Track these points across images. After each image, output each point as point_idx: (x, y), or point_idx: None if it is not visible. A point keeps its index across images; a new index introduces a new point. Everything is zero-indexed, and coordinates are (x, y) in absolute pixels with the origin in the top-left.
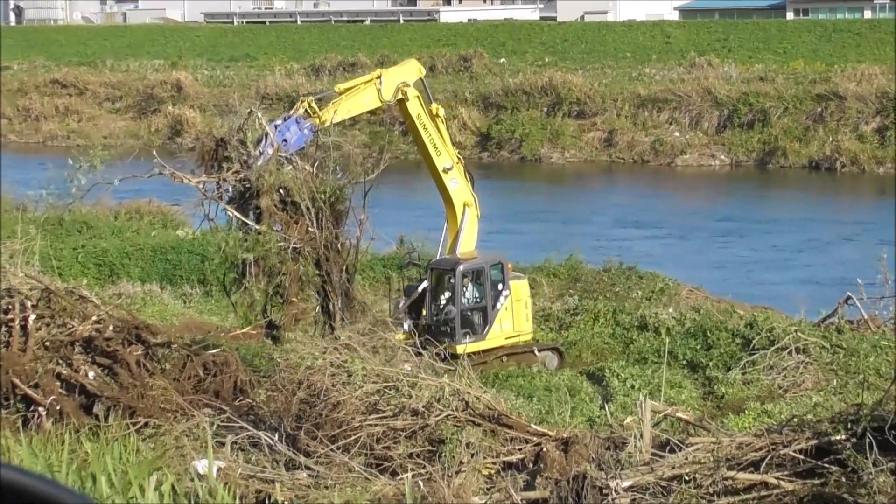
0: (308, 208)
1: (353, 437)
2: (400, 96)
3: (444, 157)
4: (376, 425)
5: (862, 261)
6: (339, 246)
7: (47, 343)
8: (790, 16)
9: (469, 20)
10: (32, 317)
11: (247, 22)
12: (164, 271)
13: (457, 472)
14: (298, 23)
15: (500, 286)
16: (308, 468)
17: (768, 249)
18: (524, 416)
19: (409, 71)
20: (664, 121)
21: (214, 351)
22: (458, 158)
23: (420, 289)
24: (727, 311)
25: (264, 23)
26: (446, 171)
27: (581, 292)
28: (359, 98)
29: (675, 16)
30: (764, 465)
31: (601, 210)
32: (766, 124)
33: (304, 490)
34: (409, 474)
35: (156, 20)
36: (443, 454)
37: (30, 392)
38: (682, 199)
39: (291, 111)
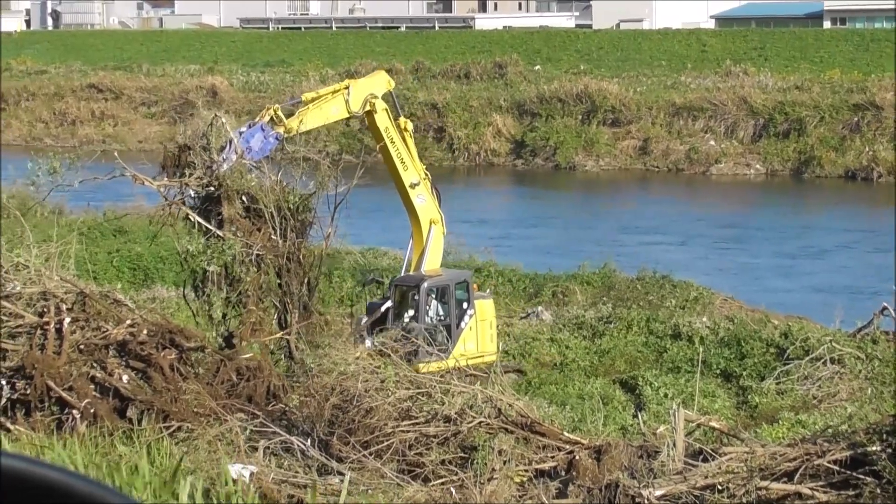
0: (272, 216)
1: (385, 443)
2: (368, 108)
3: (412, 172)
4: (409, 431)
5: None
6: (300, 257)
7: (82, 346)
8: (827, 25)
9: (504, 27)
10: (67, 320)
11: (282, 27)
12: None
13: (489, 479)
14: (334, 29)
15: (465, 305)
16: (340, 473)
17: (771, 256)
18: (557, 424)
19: (378, 83)
20: (699, 129)
21: (247, 356)
22: (426, 174)
23: (384, 308)
24: (761, 321)
25: (300, 28)
26: (413, 186)
27: (614, 300)
28: (326, 108)
29: (711, 24)
30: (798, 475)
31: (640, 217)
32: (801, 133)
33: (336, 496)
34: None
35: (192, 25)
36: (475, 461)
37: (64, 395)
38: (717, 208)
39: (257, 118)
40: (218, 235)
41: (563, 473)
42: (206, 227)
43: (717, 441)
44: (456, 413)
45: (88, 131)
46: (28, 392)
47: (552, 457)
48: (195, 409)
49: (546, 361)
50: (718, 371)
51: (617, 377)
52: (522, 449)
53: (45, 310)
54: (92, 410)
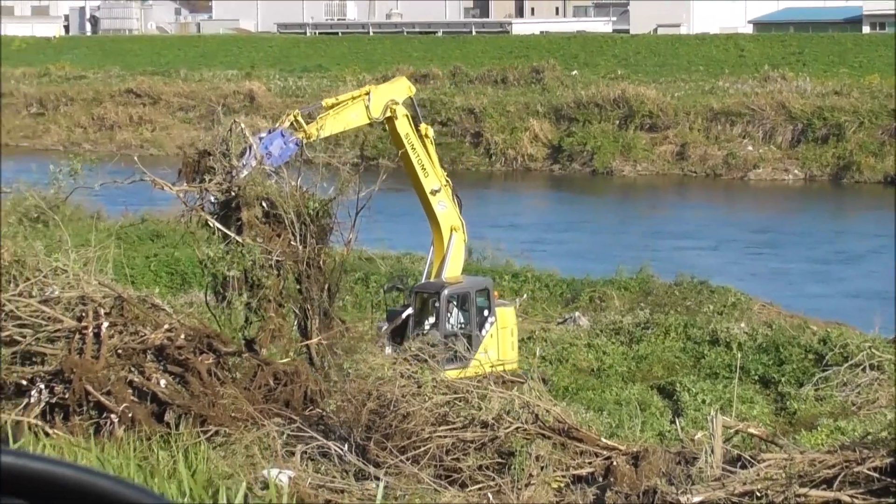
0: (292, 222)
1: (422, 449)
2: (388, 114)
3: (432, 178)
4: (446, 437)
5: None
6: (320, 263)
7: (120, 351)
8: (866, 30)
9: (541, 32)
10: (105, 324)
11: (319, 32)
12: None
13: (526, 485)
14: (371, 34)
15: (485, 312)
16: (377, 478)
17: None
18: (594, 430)
19: (399, 89)
20: (737, 134)
21: (285, 361)
22: (447, 181)
23: (405, 315)
24: (800, 327)
25: (337, 33)
26: (434, 193)
27: (652, 306)
28: (346, 114)
29: (748, 29)
30: (837, 482)
31: (673, 222)
32: (840, 139)
33: (373, 501)
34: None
35: (229, 30)
36: (512, 466)
37: (102, 399)
38: (752, 213)
39: (277, 124)
40: (237, 241)
41: (600, 479)
42: (226, 233)
43: (755, 447)
44: (493, 418)
45: (126, 136)
46: (66, 396)
47: (589, 463)
48: (232, 414)
49: (583, 367)
50: (757, 377)
51: (654, 383)
52: (560, 454)
53: (84, 314)
54: (130, 415)
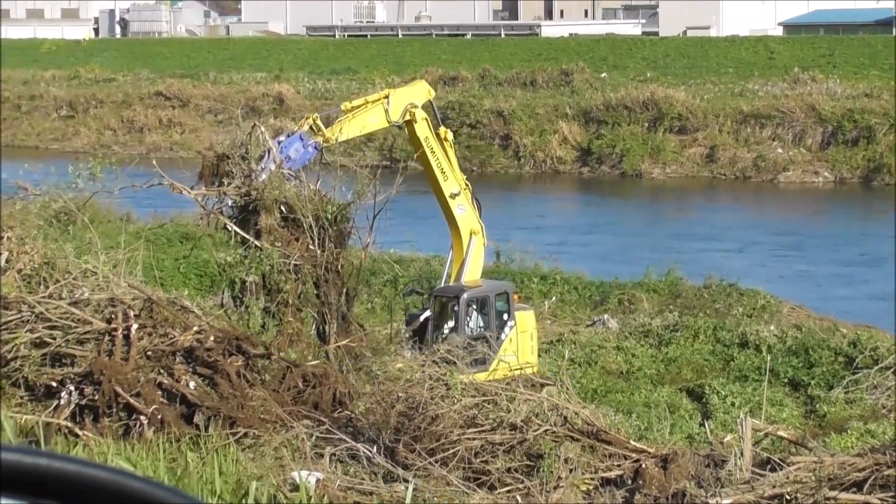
0: (310, 227)
1: (451, 451)
2: (408, 118)
3: (452, 182)
4: (474, 439)
5: None
6: (339, 267)
7: (149, 353)
8: None
9: (570, 34)
10: (135, 326)
11: (348, 35)
12: None
13: (555, 488)
14: (400, 36)
15: (505, 316)
16: (406, 481)
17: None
18: (623, 433)
19: (418, 92)
20: (767, 137)
21: (314, 363)
22: (466, 184)
23: (423, 318)
24: (830, 330)
25: (366, 36)
26: (453, 196)
27: (681, 308)
28: (365, 117)
29: (778, 31)
30: (867, 485)
31: (699, 224)
32: (871, 141)
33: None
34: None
35: (258, 33)
36: (541, 469)
37: (132, 401)
38: (778, 215)
39: (296, 127)
40: (256, 245)
41: (629, 482)
42: (244, 237)
43: (784, 450)
44: (522, 421)
45: (156, 139)
46: (96, 398)
47: (618, 465)
48: (261, 416)
49: (612, 369)
50: (786, 380)
51: (683, 386)
52: (588, 457)
53: (113, 316)
54: (159, 416)
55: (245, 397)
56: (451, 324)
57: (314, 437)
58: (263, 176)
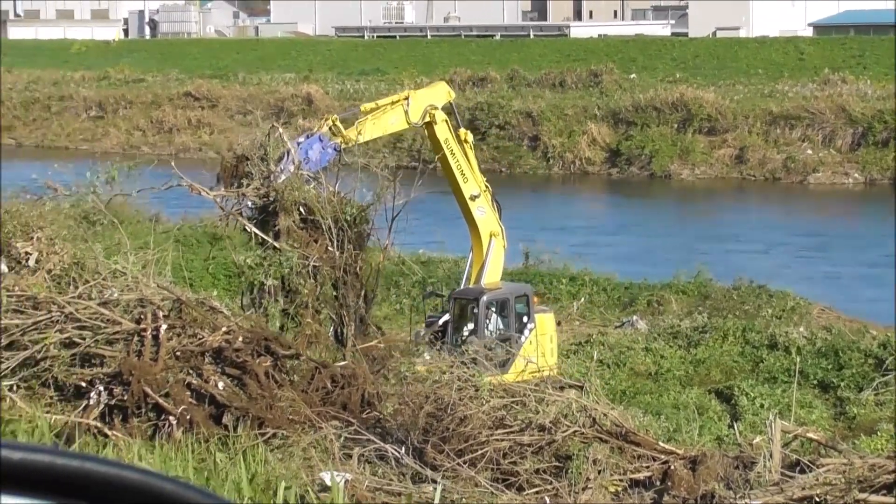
0: (329, 228)
1: (479, 452)
2: (427, 119)
3: (472, 184)
4: (503, 440)
5: None
6: (357, 269)
7: (178, 353)
8: None
9: (600, 35)
10: (164, 327)
11: (377, 36)
12: None
13: (583, 489)
14: (428, 37)
15: (524, 319)
16: (434, 482)
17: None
18: (652, 434)
19: (438, 93)
20: (796, 138)
21: (342, 363)
22: (486, 186)
23: (441, 321)
24: (860, 331)
25: (394, 37)
26: (473, 198)
27: (710, 310)
28: (385, 119)
29: (808, 32)
30: None
31: (725, 225)
32: None
33: None
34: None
35: (287, 34)
36: (569, 470)
37: (161, 401)
38: (806, 216)
39: (315, 129)
40: (274, 247)
41: (657, 483)
42: (263, 239)
43: (814, 452)
44: (550, 422)
45: (185, 139)
46: (125, 398)
47: (647, 466)
48: (290, 416)
49: (641, 371)
50: (816, 382)
51: (712, 387)
52: (617, 458)
53: (142, 316)
54: (188, 417)
55: (274, 398)
56: (470, 326)
57: (342, 438)
58: (283, 177)
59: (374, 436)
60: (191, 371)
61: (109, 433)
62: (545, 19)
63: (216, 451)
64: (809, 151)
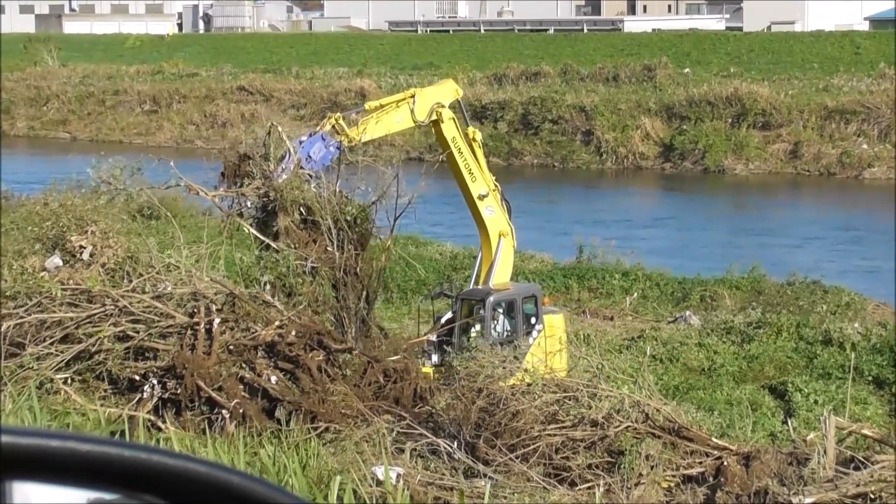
0: (329, 229)
1: (531, 447)
2: (434, 117)
3: (480, 183)
4: (555, 435)
5: None
6: (357, 270)
7: (231, 347)
8: None
9: (653, 30)
10: (217, 321)
11: (430, 30)
12: None
13: (636, 484)
14: (482, 31)
15: (533, 320)
16: (486, 476)
17: None
18: (705, 430)
19: (445, 91)
20: (852, 133)
21: (395, 358)
22: (495, 185)
23: (443, 319)
24: None
25: (448, 31)
26: (481, 198)
27: (764, 305)
28: (390, 117)
29: (864, 26)
30: None
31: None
32: None
33: (481, 498)
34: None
35: (341, 28)
36: (622, 466)
37: (214, 395)
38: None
39: (318, 127)
40: (272, 246)
41: (710, 479)
42: (262, 239)
43: (868, 449)
44: (603, 417)
45: (238, 133)
46: (178, 392)
47: (700, 462)
48: (342, 411)
49: (694, 366)
50: (870, 378)
51: (766, 383)
52: (670, 454)
53: (196, 310)
54: (241, 411)
55: (326, 392)
56: (477, 327)
57: (395, 433)
58: (283, 176)
59: (426, 430)
60: (244, 365)
61: (163, 426)
62: (599, 14)
63: (268, 445)
64: (865, 146)
